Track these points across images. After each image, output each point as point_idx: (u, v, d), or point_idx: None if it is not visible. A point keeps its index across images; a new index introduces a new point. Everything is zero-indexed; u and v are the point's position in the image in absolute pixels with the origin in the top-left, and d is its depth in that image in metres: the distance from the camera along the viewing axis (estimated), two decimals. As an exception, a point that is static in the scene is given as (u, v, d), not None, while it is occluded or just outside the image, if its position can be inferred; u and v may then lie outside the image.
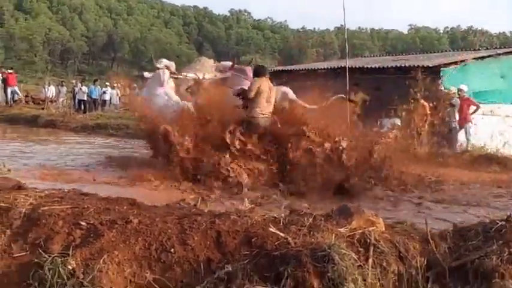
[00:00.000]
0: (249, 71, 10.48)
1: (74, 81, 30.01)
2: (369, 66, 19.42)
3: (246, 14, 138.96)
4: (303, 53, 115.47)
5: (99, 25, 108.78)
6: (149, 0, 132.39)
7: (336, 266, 2.62)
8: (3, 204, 3.10)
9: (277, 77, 21.70)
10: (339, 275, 2.59)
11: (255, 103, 8.80)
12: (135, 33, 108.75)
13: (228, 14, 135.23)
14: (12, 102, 25.40)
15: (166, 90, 10.48)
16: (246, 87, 9.13)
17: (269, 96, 9.00)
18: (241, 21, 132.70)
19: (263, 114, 8.83)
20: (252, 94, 8.78)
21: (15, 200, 3.14)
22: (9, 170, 6.51)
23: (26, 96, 28.12)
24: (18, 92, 26.42)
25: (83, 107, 25.75)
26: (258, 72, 9.23)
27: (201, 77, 11.26)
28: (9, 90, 25.21)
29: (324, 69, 21.24)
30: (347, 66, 14.62)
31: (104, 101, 27.09)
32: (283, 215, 3.23)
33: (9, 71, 26.73)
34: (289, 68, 24.54)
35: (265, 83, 9.00)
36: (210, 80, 10.80)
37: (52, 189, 3.68)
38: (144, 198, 4.72)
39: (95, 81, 30.33)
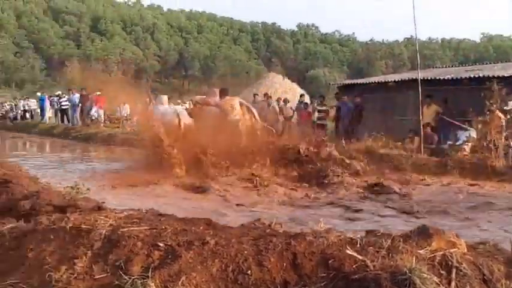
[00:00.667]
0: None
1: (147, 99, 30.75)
2: (441, 77, 18.95)
3: (313, 28, 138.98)
4: (372, 65, 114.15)
5: (170, 44, 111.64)
6: (218, 18, 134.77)
7: (418, 291, 2.53)
8: (84, 226, 3.19)
9: (348, 91, 21.56)
10: (421, 300, 2.50)
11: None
12: (205, 51, 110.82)
13: (296, 29, 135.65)
14: (89, 121, 26.42)
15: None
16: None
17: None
18: (309, 35, 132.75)
19: None
20: None
21: (95, 222, 3.23)
22: (88, 189, 6.74)
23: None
24: (101, 113, 27.32)
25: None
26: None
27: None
28: (93, 109, 26.11)
29: (395, 81, 20.91)
30: (419, 78, 14.34)
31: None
32: (359, 235, 3.16)
33: (98, 93, 27.72)
34: (359, 81, 24.30)
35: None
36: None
37: (131, 209, 3.76)
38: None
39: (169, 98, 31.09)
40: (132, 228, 3.11)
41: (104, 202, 4.47)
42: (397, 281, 2.57)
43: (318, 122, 19.07)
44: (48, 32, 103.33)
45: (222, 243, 2.97)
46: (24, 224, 3.59)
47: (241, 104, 13.00)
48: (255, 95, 22.49)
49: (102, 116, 27.25)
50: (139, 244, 2.97)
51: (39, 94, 38.32)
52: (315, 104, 20.18)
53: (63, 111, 30.41)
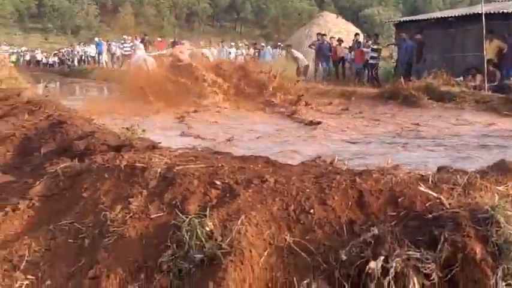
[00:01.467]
0: None
1: (201, 42, 30.65)
2: (505, 11, 17.88)
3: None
4: (428, 2, 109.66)
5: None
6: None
7: (502, 230, 2.28)
8: (139, 165, 3.06)
9: (405, 28, 20.72)
10: (505, 240, 2.27)
11: None
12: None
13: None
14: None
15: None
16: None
17: None
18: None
19: None
20: None
21: (150, 160, 3.09)
22: (143, 130, 6.67)
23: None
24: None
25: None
26: None
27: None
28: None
29: (455, 17, 19.89)
30: (482, 12, 13.56)
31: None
32: (430, 172, 2.91)
33: (159, 39, 27.57)
34: (417, 17, 23.27)
35: None
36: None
37: (186, 148, 3.62)
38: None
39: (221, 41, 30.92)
40: (188, 166, 2.96)
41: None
42: (478, 219, 2.34)
43: (371, 61, 18.45)
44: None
45: (282, 181, 2.78)
46: (78, 164, 3.50)
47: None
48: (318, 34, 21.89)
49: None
50: (195, 182, 2.83)
51: (96, 39, 38.62)
52: (369, 43, 19.48)
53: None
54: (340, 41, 21.06)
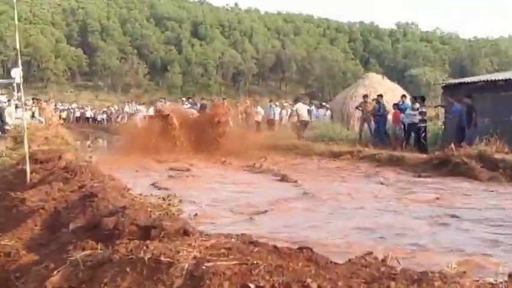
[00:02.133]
0: None
1: (248, 102, 30.81)
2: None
3: (413, 26, 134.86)
4: (476, 63, 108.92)
5: (267, 46, 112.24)
6: (315, 19, 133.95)
7: None
8: (164, 259, 2.73)
9: (453, 91, 20.25)
10: None
11: None
12: (301, 53, 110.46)
13: (395, 28, 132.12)
14: None
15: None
16: None
17: None
18: (409, 33, 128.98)
19: None
20: None
21: (177, 253, 2.76)
22: (180, 201, 6.38)
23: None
24: None
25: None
26: None
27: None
28: None
29: (505, 80, 19.33)
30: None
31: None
32: (501, 280, 2.48)
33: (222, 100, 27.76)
34: (466, 80, 22.76)
35: None
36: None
37: (219, 235, 3.28)
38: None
39: (270, 101, 31.00)
40: (218, 263, 2.62)
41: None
42: None
43: (418, 124, 17.91)
44: (151, 37, 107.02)
45: (326, 286, 2.40)
46: (100, 252, 3.21)
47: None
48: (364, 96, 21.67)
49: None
50: (226, 284, 2.47)
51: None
52: (416, 105, 19.02)
53: None
54: (365, 97, 21.05)
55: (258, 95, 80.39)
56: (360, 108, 21.06)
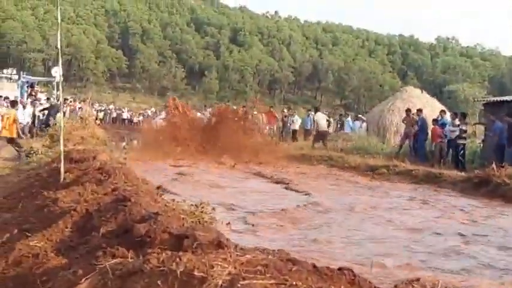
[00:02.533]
0: None
1: (285, 111, 30.71)
2: None
3: (453, 41, 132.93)
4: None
5: (305, 56, 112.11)
6: (354, 30, 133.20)
7: None
8: (197, 274, 2.57)
9: (495, 108, 19.69)
10: None
11: None
12: (339, 63, 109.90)
13: (435, 42, 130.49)
14: None
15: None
16: None
17: None
18: (449, 48, 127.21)
19: None
20: None
21: (211, 268, 2.61)
22: (213, 209, 6.24)
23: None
24: None
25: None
26: None
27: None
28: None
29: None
30: None
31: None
32: None
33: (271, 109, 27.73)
34: (507, 98, 22.14)
35: None
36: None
37: (255, 249, 3.11)
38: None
39: (309, 110, 30.76)
40: (254, 281, 2.45)
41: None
42: None
43: (458, 141, 17.43)
44: (190, 42, 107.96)
45: (371, 315, 2.22)
46: (130, 261, 3.07)
47: None
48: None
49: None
50: (262, 305, 2.31)
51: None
52: (456, 121, 18.53)
53: None
54: (408, 111, 20.49)
55: (293, 104, 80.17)
56: (405, 122, 20.57)
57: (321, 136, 21.98)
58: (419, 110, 19.93)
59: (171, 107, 20.50)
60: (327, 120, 23.92)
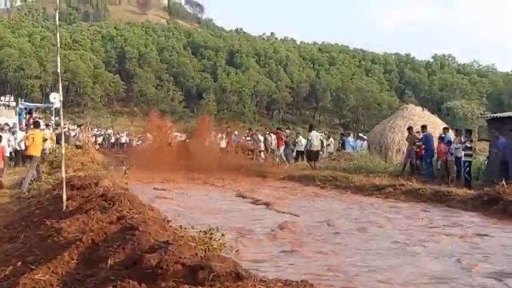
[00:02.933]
0: None
1: (287, 131, 30.48)
2: None
3: (450, 58, 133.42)
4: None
5: (302, 76, 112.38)
6: (351, 49, 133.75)
7: None
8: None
9: (497, 124, 19.51)
10: None
11: None
12: (336, 83, 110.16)
13: (431, 60, 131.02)
14: None
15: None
16: None
17: None
18: (445, 66, 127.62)
19: None
20: None
21: (234, 306, 2.39)
22: (222, 235, 6.02)
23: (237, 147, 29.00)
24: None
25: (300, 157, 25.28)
26: None
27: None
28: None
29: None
30: None
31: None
32: None
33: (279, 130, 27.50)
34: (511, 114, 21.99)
35: None
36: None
37: (277, 281, 2.89)
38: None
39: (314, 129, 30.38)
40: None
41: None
42: None
43: (464, 158, 17.18)
44: (187, 65, 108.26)
45: None
46: (145, 297, 2.87)
47: None
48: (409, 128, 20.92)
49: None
50: None
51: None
52: (462, 139, 18.31)
53: None
54: (410, 129, 20.34)
55: (291, 124, 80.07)
56: (408, 140, 20.36)
57: (313, 155, 21.85)
58: (424, 127, 19.73)
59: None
60: (320, 140, 23.70)
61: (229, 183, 17.71)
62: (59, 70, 7.87)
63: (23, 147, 15.47)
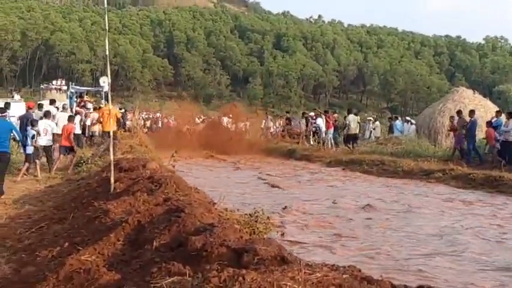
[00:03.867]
0: None
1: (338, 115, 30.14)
2: None
3: (502, 40, 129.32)
4: None
5: (349, 59, 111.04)
6: (399, 32, 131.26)
7: None
8: (265, 297, 2.31)
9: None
10: None
11: None
12: (384, 66, 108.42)
13: (483, 42, 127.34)
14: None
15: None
16: None
17: None
18: (498, 48, 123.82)
19: None
20: None
21: (280, 291, 2.33)
22: (268, 217, 5.98)
23: (283, 131, 28.88)
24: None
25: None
26: None
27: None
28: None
29: None
30: None
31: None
32: None
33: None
34: None
35: None
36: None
37: (324, 265, 2.82)
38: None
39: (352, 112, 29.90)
40: (330, 306, 2.17)
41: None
42: None
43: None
44: (234, 49, 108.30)
45: None
46: (188, 279, 2.82)
47: None
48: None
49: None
50: (342, 334, 2.03)
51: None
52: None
53: None
54: (459, 113, 19.67)
55: (338, 108, 79.22)
56: (458, 124, 19.79)
57: (351, 138, 21.94)
58: (472, 111, 19.15)
59: None
60: (358, 123, 23.45)
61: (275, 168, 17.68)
62: (107, 53, 7.95)
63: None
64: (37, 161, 13.03)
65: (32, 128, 12.83)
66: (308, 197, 10.76)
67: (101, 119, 15.08)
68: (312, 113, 27.61)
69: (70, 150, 14.14)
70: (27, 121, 13.65)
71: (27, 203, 8.74)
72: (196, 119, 31.95)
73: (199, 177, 12.98)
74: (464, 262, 5.94)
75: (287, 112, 32.73)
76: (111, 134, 9.86)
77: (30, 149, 12.50)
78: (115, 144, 14.33)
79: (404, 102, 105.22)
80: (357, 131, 22.77)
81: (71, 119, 15.24)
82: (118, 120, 16.50)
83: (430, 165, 15.32)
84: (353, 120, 22.51)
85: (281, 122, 30.57)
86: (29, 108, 16.75)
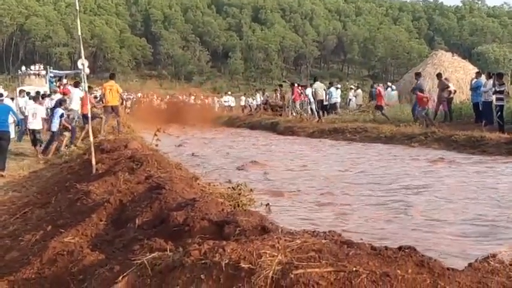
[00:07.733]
0: None
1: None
2: None
3: (479, 2, 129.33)
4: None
5: (329, 29, 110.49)
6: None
7: None
8: (245, 265, 2.31)
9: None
10: None
11: None
12: (364, 34, 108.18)
13: (460, 4, 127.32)
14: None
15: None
16: None
17: None
18: (475, 10, 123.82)
19: None
20: None
21: (259, 258, 2.33)
22: (251, 190, 5.99)
23: (265, 103, 28.90)
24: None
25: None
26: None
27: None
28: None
29: None
30: None
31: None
32: None
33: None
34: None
35: None
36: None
37: (304, 232, 2.82)
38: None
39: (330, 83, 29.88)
40: (309, 270, 2.18)
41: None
42: None
43: (496, 102, 16.75)
44: (212, 24, 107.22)
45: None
46: (169, 254, 2.81)
47: None
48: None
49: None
50: (321, 298, 2.04)
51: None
52: (491, 82, 17.79)
53: None
54: (439, 76, 19.96)
55: (320, 78, 79.20)
56: (439, 87, 20.07)
57: (319, 105, 22.71)
58: (439, 75, 19.55)
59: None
60: (324, 89, 23.76)
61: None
62: (79, 33, 7.82)
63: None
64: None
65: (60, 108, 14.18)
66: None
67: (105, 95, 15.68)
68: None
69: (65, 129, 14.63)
70: (58, 103, 14.97)
71: (10, 190, 8.69)
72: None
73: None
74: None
75: (280, 86, 32.54)
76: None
77: (55, 127, 13.70)
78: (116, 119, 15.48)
79: (385, 69, 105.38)
80: (323, 98, 23.07)
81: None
82: (120, 95, 17.24)
83: (412, 130, 15.45)
84: (319, 87, 22.92)
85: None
86: (63, 94, 18.52)
